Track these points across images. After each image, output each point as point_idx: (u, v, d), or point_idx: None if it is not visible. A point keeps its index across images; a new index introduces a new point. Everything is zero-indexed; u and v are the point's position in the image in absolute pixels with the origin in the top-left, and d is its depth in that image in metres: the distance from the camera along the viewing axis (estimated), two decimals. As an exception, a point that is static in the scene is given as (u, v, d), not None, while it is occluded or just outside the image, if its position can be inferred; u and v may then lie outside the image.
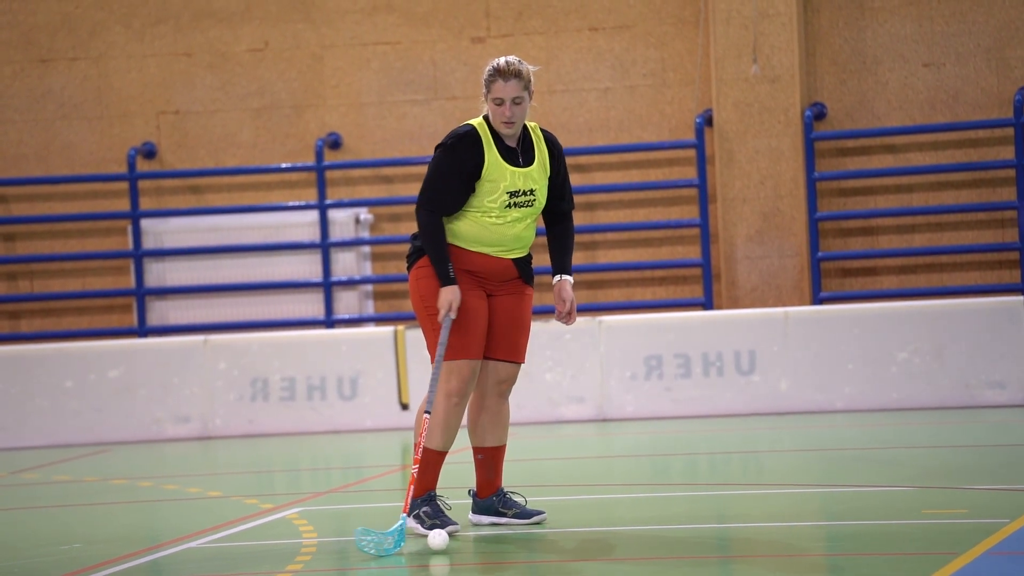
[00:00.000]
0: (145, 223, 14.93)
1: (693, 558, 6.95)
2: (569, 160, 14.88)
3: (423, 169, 14.93)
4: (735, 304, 14.37)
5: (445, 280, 7.21)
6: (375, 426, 13.47)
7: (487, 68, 7.20)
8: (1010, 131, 14.21)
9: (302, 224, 14.89)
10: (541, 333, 13.41)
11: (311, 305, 14.85)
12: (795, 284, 14.41)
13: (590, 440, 12.38)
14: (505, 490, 7.64)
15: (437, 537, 6.83)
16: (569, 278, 7.46)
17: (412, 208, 15.03)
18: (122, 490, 10.48)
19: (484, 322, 7.31)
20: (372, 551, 6.60)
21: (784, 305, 14.13)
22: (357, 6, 14.95)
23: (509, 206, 7.23)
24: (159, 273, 14.93)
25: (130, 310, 15.08)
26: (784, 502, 8.45)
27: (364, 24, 14.95)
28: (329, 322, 14.72)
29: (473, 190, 7.18)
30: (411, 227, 15.05)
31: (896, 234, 14.48)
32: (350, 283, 14.89)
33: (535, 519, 7.58)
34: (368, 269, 15.01)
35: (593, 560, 6.97)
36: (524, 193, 7.24)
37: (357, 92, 14.98)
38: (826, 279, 14.53)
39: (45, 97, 15.04)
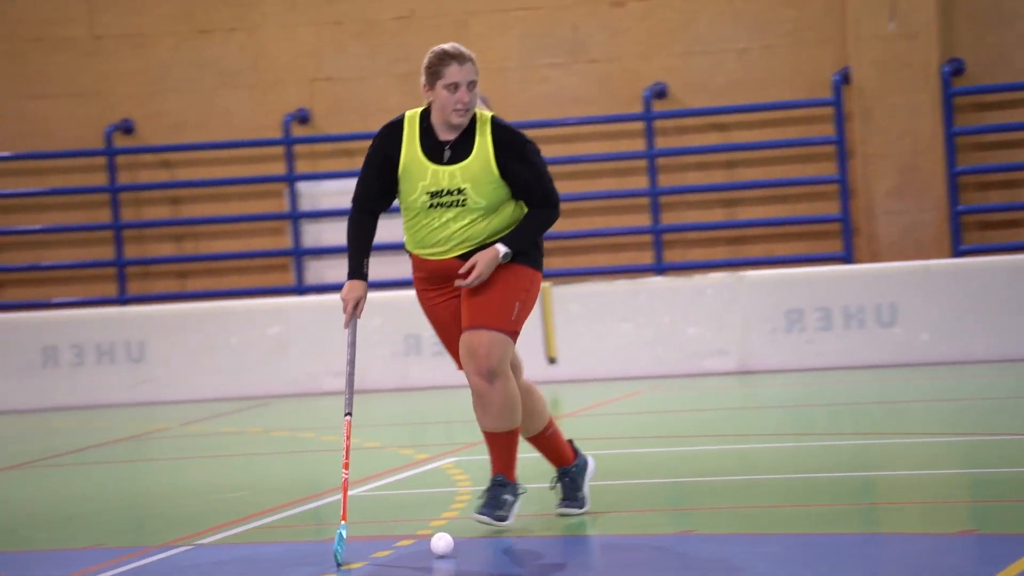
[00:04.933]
0: (301, 186, 15.11)
1: (838, 505, 6.91)
2: (708, 120, 14.80)
3: (563, 131, 14.93)
4: (875, 258, 14.20)
5: (352, 272, 6.46)
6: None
7: (432, 54, 6.42)
8: None
9: (449, 185, 14.95)
10: (684, 288, 13.38)
11: (459, 263, 14.93)
12: (935, 238, 14.20)
13: (732, 392, 12.33)
14: (498, 481, 6.63)
15: (439, 541, 6.12)
16: (501, 248, 6.39)
17: (555, 169, 15.04)
18: (284, 441, 10.65)
19: (446, 321, 6.51)
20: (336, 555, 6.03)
21: (924, 259, 13.93)
22: (500, -27, 14.95)
23: (432, 207, 6.39)
24: (315, 234, 15.10)
25: (288, 269, 15.28)
26: (927, 451, 8.36)
27: (507, -10, 14.95)
28: (477, 280, 14.79)
29: (397, 186, 6.44)
30: (556, 187, 15.05)
31: (1036, 187, 14.19)
32: (497, 242, 14.94)
33: (483, 519, 6.58)
34: (514, 228, 15.06)
35: (738, 508, 6.95)
36: (449, 192, 6.37)
37: (500, 57, 15.00)
38: (966, 232, 14.29)
39: (204, 67, 15.26)
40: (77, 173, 15.39)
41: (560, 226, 15.00)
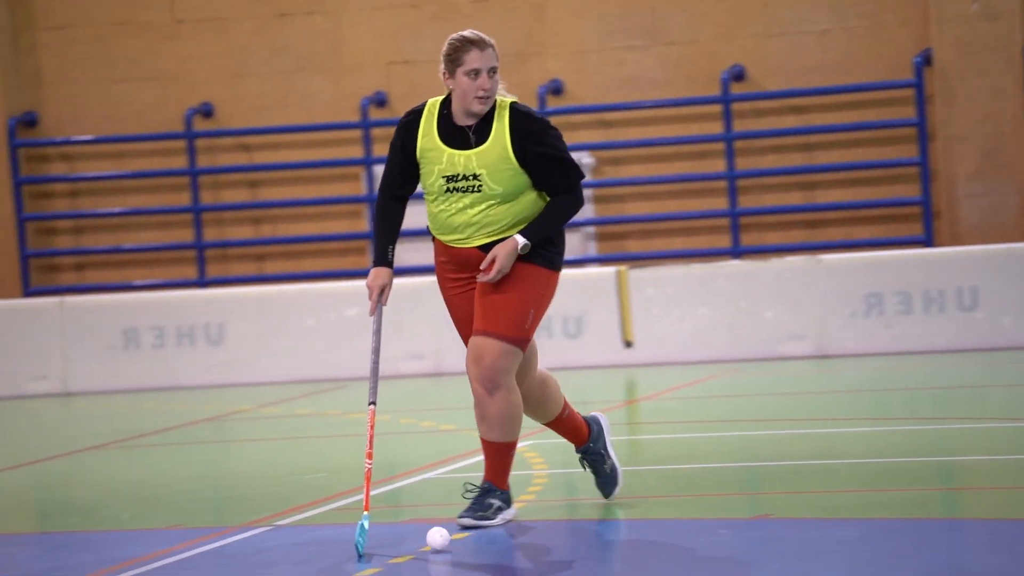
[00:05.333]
0: (378, 169, 15.14)
1: (917, 490, 6.85)
2: (786, 102, 14.69)
3: (642, 114, 14.86)
4: (956, 241, 14.05)
5: (376, 259, 6.39)
6: (599, 363, 13.51)
7: (451, 41, 6.28)
8: None
9: (526, 168, 14.94)
10: (761, 272, 13.30)
11: (535, 247, 14.92)
12: (1017, 221, 14.03)
13: (809, 376, 12.25)
14: (486, 488, 6.49)
15: (436, 535, 5.98)
16: (519, 239, 6.25)
17: (633, 152, 14.99)
18: (361, 423, 10.69)
19: (462, 313, 6.41)
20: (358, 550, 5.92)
21: (1006, 242, 13.76)
22: (578, -45, 14.91)
23: (449, 191, 6.30)
24: (392, 217, 15.14)
25: (364, 252, 15.33)
26: (1008, 436, 8.26)
27: (585, -27, 14.90)
28: (553, 263, 14.77)
29: (418, 171, 6.37)
30: (633, 170, 15.02)
31: (1120, 170, 13.99)
32: (573, 225, 14.92)
33: (464, 521, 6.43)
34: (590, 211, 15.02)
35: (815, 492, 6.90)
36: (465, 178, 6.27)
37: (578, 40, 14.95)
38: (1048, 216, 14.12)
39: (284, 50, 15.32)
40: (158, 156, 15.51)
41: (637, 209, 14.96)
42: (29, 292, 15.27)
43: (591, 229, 15.05)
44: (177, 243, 15.41)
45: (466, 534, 6.34)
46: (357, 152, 15.30)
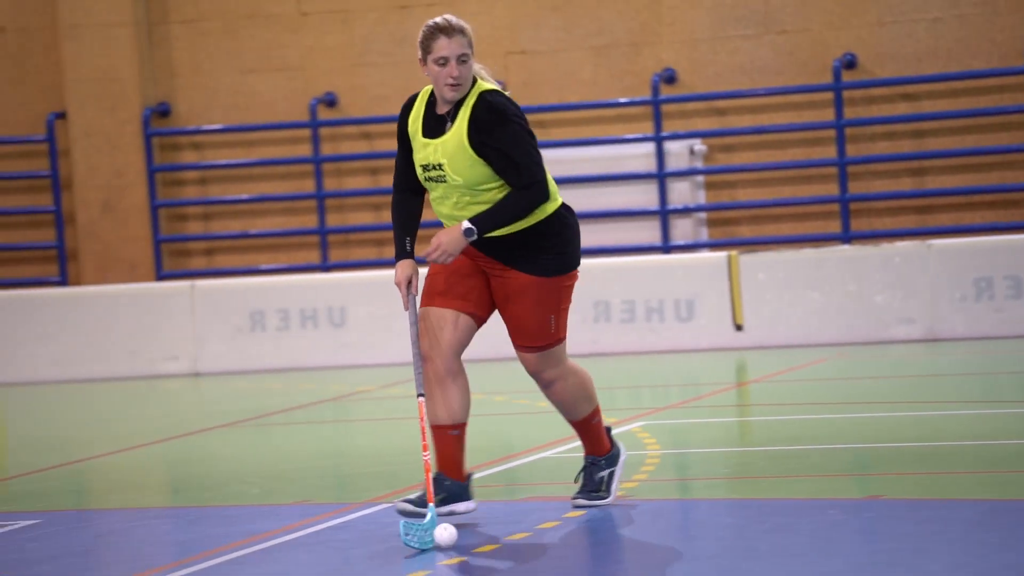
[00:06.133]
0: (495, 157, 15.16)
1: (1028, 474, 6.74)
2: (897, 90, 14.50)
3: (754, 101, 14.75)
4: (1067, 227, 13.81)
5: (397, 253, 6.17)
6: (710, 346, 13.45)
7: (423, 29, 6.10)
8: None
9: (639, 155, 14.90)
10: (871, 256, 13.17)
11: (648, 232, 14.87)
12: None
13: (919, 360, 12.10)
14: (589, 461, 6.44)
15: (444, 532, 5.82)
16: (464, 223, 5.99)
17: (745, 139, 14.89)
18: (478, 404, 10.74)
19: (455, 275, 6.16)
20: (415, 544, 5.78)
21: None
22: (691, -54, 14.81)
23: (427, 180, 6.11)
24: (508, 203, 15.17)
25: (482, 238, 15.38)
26: (1119, 421, 8.10)
27: (698, -37, 14.81)
28: (665, 248, 14.72)
29: None
30: (744, 157, 14.91)
31: None
32: (685, 211, 14.85)
33: (579, 503, 6.40)
34: (702, 197, 14.95)
35: (926, 474, 6.82)
36: (434, 167, 6.07)
37: (691, 29, 14.87)
38: None
39: (404, 41, 15.40)
40: (284, 144, 15.67)
41: (748, 195, 14.86)
42: (162, 276, 15.51)
43: (703, 215, 14.97)
44: (301, 229, 15.56)
45: (581, 512, 6.34)
46: (475, 140, 15.35)
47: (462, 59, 6.04)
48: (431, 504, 5.92)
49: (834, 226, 14.59)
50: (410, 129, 6.14)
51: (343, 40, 15.45)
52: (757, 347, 13.28)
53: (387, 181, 15.61)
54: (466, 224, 5.98)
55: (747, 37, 14.73)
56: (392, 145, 15.54)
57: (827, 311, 13.21)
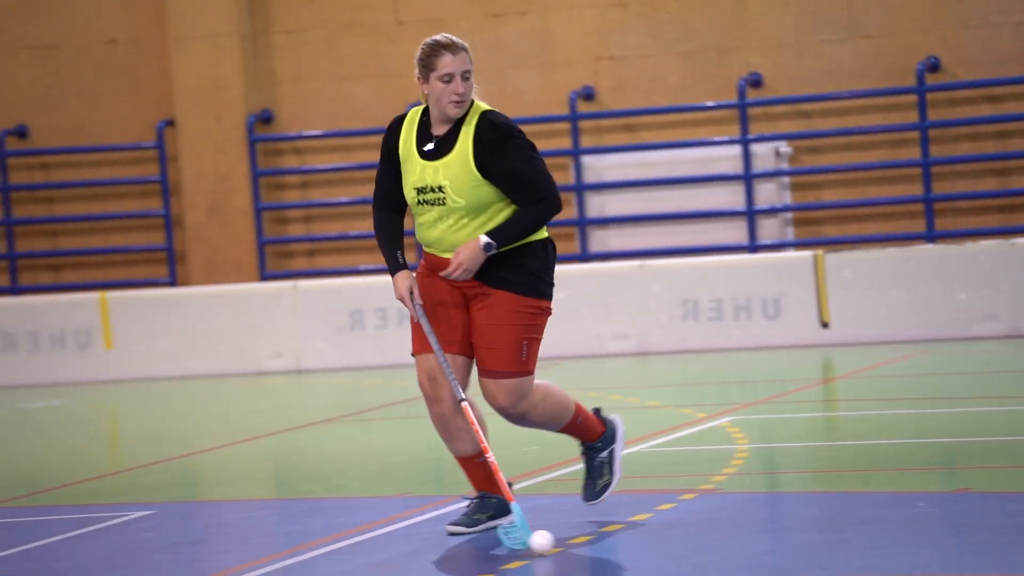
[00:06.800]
0: (586, 159, 15.20)
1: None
2: (981, 92, 14.34)
3: (839, 104, 14.66)
4: None
5: (391, 268, 5.98)
6: (796, 343, 13.39)
7: (423, 46, 5.94)
8: None
9: (726, 157, 14.86)
10: (955, 255, 13.05)
11: (735, 232, 14.82)
12: None
13: (1004, 356, 11.97)
14: (586, 447, 6.33)
15: (540, 538, 5.72)
16: (483, 238, 5.81)
17: (830, 141, 14.79)
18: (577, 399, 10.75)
19: (440, 307, 5.98)
20: (517, 546, 5.72)
21: None
22: (776, -47, 14.75)
23: (420, 203, 5.90)
24: (599, 204, 15.18)
25: (573, 238, 15.40)
26: None
27: (783, -31, 14.74)
28: (752, 247, 14.67)
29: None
30: (830, 158, 14.83)
31: None
32: (771, 211, 14.79)
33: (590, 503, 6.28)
34: (788, 198, 14.88)
35: (1014, 467, 6.76)
36: (432, 190, 5.86)
37: (776, 34, 14.81)
38: None
39: (498, 48, 15.46)
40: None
41: (833, 195, 14.76)
42: (265, 276, 15.68)
43: (788, 215, 14.90)
44: (399, 230, 15.65)
45: (672, 504, 6.35)
46: (565, 143, 15.37)
47: (465, 76, 5.93)
48: (513, 503, 5.86)
49: (918, 225, 14.47)
50: (401, 150, 5.98)
51: (438, 48, 15.53)
52: (843, 344, 13.20)
53: (481, 184, 15.66)
54: (484, 239, 5.82)
55: (832, 42, 14.64)
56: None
57: (912, 309, 13.10)
